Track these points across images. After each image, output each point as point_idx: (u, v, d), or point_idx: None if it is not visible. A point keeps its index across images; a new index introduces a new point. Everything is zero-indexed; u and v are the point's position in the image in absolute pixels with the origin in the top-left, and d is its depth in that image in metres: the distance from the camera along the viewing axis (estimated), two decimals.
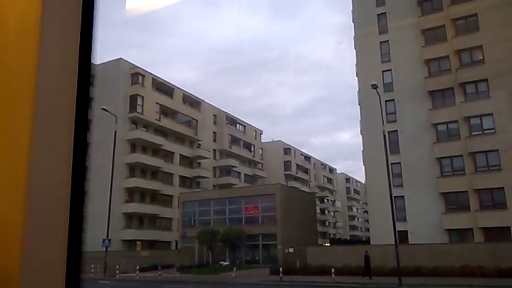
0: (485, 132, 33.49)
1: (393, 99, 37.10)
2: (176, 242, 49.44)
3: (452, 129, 35.03)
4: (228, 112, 68.85)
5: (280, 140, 79.70)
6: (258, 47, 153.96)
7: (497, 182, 31.94)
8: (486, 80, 33.62)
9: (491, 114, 33.10)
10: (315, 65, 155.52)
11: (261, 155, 75.98)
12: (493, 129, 33.01)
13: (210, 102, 64.98)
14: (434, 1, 37.25)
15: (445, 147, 34.69)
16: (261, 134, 77.60)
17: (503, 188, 31.69)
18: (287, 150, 79.61)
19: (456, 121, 34.59)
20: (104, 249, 33.52)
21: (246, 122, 73.11)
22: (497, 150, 32.37)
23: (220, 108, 67.58)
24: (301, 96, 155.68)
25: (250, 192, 45.64)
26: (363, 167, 37.90)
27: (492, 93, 33.26)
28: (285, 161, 78.21)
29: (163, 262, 36.64)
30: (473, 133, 33.90)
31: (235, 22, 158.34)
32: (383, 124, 30.24)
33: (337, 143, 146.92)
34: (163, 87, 56.08)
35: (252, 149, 73.27)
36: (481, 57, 34.45)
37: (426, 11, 37.51)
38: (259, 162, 74.95)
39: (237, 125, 70.91)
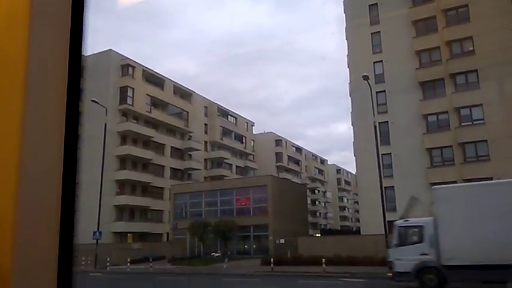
0: (474, 122, 33.78)
1: (384, 91, 37.22)
2: (167, 234, 49.45)
3: (442, 120, 35.29)
4: (220, 104, 68.66)
5: (271, 132, 79.73)
6: (259, 38, 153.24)
7: (486, 172, 32.22)
8: (476, 70, 33.84)
9: (481, 105, 33.37)
10: (314, 57, 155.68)
11: (253, 146, 76.00)
12: (483, 119, 33.32)
13: (202, 94, 64.76)
14: None
15: (435, 138, 34.98)
16: (252, 125, 77.53)
17: (492, 178, 32.01)
18: (278, 141, 79.69)
19: (446, 112, 34.85)
20: (95, 241, 33.47)
21: (237, 114, 72.96)
22: (486, 140, 32.71)
23: (215, 100, 67.48)
24: (299, 87, 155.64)
25: (242, 184, 45.68)
26: (354, 158, 38.09)
27: (482, 83, 33.50)
28: (276, 153, 78.33)
29: (155, 254, 36.63)
30: (463, 124, 34.19)
31: (237, 14, 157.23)
32: (374, 115, 30.44)
33: (334, 134, 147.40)
34: (154, 79, 55.65)
35: (244, 141, 73.22)
36: (472, 48, 34.64)
37: (417, 2, 37.53)
38: (251, 154, 74.98)
39: (229, 116, 70.74)
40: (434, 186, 15.69)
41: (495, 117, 32.49)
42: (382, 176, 27.24)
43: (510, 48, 32.77)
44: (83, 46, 1.10)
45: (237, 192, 43.60)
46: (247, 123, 75.75)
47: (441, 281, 14.57)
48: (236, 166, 69.43)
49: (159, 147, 55.00)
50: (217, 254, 37.64)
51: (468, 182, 32.76)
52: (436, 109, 35.27)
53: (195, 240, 40.72)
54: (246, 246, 41.95)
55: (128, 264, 32.11)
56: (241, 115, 74.28)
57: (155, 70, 56.19)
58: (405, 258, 15.02)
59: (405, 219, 16.11)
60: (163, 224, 51.86)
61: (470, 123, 33.96)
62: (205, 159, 63.70)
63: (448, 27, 35.72)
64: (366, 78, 27.42)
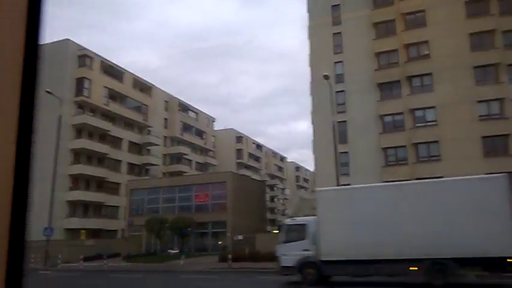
0: (428, 124, 35.07)
1: (343, 90, 37.92)
2: (123, 230, 48.21)
3: (397, 121, 36.39)
4: (181, 98, 67.66)
5: (232, 128, 79.50)
6: (223, 34, 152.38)
7: (437, 171, 33.54)
8: (431, 74, 35.15)
9: (434, 107, 34.72)
10: (278, 54, 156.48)
11: (213, 142, 75.50)
12: (435, 121, 34.67)
13: (163, 88, 63.58)
14: None
15: (390, 138, 36.02)
16: (213, 121, 77.00)
17: (442, 177, 33.36)
18: (239, 138, 79.59)
19: (402, 113, 35.97)
20: (45, 238, 32.10)
21: (198, 109, 72.21)
22: (438, 141, 34.07)
23: (176, 94, 66.40)
24: (262, 85, 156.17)
25: (201, 180, 45.24)
26: (313, 155, 38.57)
27: (436, 86, 34.85)
28: (237, 149, 78.21)
29: (109, 251, 35.62)
30: (417, 125, 35.40)
31: (202, 8, 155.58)
32: (333, 114, 30.91)
33: (294, 132, 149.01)
34: (113, 71, 54.00)
35: (204, 137, 72.59)
36: (427, 52, 35.91)
37: (378, 5, 38.47)
38: (211, 150, 74.47)
39: (189, 111, 69.86)
40: (318, 189, 17.05)
41: (447, 119, 33.88)
42: (339, 173, 27.73)
43: (463, 53, 34.28)
44: (39, 34, 1.04)
45: (196, 188, 43.11)
46: (208, 118, 75.14)
47: (319, 275, 15.82)
48: (196, 162, 68.73)
49: (116, 142, 53.48)
50: (175, 251, 37.07)
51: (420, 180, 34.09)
52: (392, 110, 36.32)
53: (152, 237, 39.94)
54: (206, 245, 41.56)
55: (81, 261, 31.01)
56: (203, 110, 73.60)
57: (114, 62, 54.60)
58: (290, 254, 16.21)
59: (293, 218, 17.67)
60: (118, 221, 50.51)
61: (424, 124, 35.22)
62: (164, 154, 62.60)
63: (406, 30, 36.85)
64: (326, 77, 27.78)
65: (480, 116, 33.56)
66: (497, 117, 33.19)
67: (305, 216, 16.84)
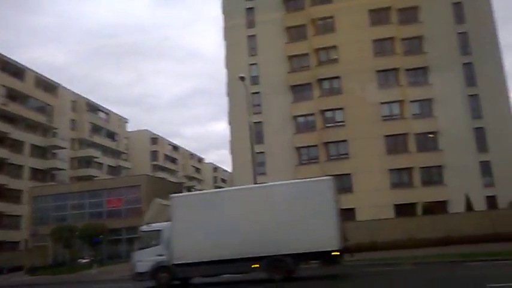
0: (337, 124, 37.07)
1: (259, 92, 38.65)
2: (26, 241, 44.37)
3: (309, 121, 37.97)
4: (90, 98, 64.07)
5: (147, 129, 77.14)
6: (136, 31, 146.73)
7: (345, 168, 35.69)
8: (339, 77, 37.22)
9: (342, 109, 36.82)
10: (195, 55, 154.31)
11: (126, 144, 72.58)
12: (344, 121, 36.77)
13: (70, 87, 59.72)
14: (298, 1, 39.72)
15: (303, 138, 37.48)
16: (126, 122, 74.00)
17: (350, 174, 35.58)
18: (154, 139, 77.48)
19: (313, 114, 37.61)
20: None
21: (109, 110, 68.94)
22: (346, 140, 36.19)
23: (84, 94, 62.79)
24: (178, 85, 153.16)
25: (114, 184, 43.17)
26: (231, 156, 38.78)
27: (344, 89, 37.00)
28: (152, 151, 76.05)
29: (11, 264, 32.55)
30: (327, 125, 37.25)
31: (113, 3, 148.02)
32: (249, 115, 31.38)
33: (212, 133, 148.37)
34: (12, 68, 49.58)
35: (116, 138, 69.48)
36: (336, 56, 37.96)
37: (290, 9, 39.82)
38: (124, 153, 71.50)
39: (99, 112, 66.41)
40: (172, 195, 17.35)
41: (354, 119, 36.13)
42: (256, 173, 28.15)
43: (367, 58, 36.79)
44: None
45: (108, 193, 41.11)
46: (120, 119, 72.05)
47: (172, 278, 16.49)
48: (108, 166, 65.51)
49: (17, 145, 49.14)
50: (86, 260, 34.94)
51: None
52: (305, 111, 37.82)
53: (60, 246, 37.23)
54: (120, 252, 39.68)
55: None
56: (114, 111, 70.44)
57: (14, 58, 50.12)
58: (145, 260, 16.57)
59: (149, 224, 17.45)
60: (21, 231, 46.41)
61: (333, 124, 37.19)
62: (72, 158, 58.82)
63: (316, 35, 38.60)
64: (242, 79, 28.02)
65: (383, 116, 36.27)
66: (398, 118, 36.12)
67: (164, 222, 16.78)
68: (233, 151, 38.33)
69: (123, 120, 73.08)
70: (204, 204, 16.76)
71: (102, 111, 67.20)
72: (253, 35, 40.17)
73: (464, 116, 35.18)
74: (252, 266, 15.19)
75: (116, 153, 69.01)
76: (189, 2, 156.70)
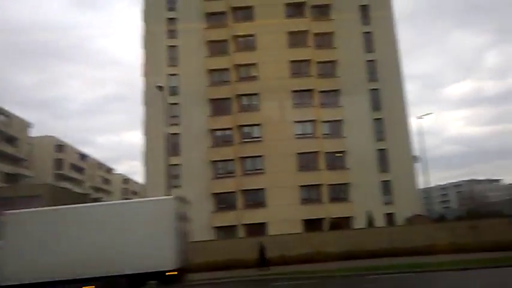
0: (254, 139, 37.80)
1: (178, 103, 38.13)
2: None
3: (227, 135, 38.22)
4: None
5: (52, 136, 71.92)
6: (51, 31, 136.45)
7: (260, 183, 36.43)
8: (258, 94, 38.12)
9: (259, 125, 37.67)
10: (112, 61, 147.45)
11: (28, 151, 66.84)
12: (260, 137, 37.61)
13: None
14: (220, 16, 40.18)
15: (219, 152, 37.58)
16: (29, 127, 68.27)
17: (264, 188, 36.37)
18: (60, 147, 72.42)
19: (231, 128, 37.96)
20: None
21: (10, 112, 63.20)
22: (262, 156, 37.01)
23: None
24: (93, 91, 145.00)
25: (10, 194, 39.37)
26: (144, 167, 37.52)
27: (262, 106, 37.94)
28: (56, 159, 70.91)
29: None
30: (244, 140, 37.80)
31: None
32: (166, 126, 30.76)
33: (126, 142, 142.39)
34: None
35: (17, 144, 63.72)
36: (256, 74, 38.86)
37: (212, 24, 40.09)
38: (25, 160, 65.76)
39: None
40: (4, 212, 16.40)
41: (270, 136, 37.14)
42: (171, 186, 27.56)
43: (285, 77, 38.22)
44: None
45: (3, 203, 37.34)
46: (23, 123, 66.31)
47: None
48: (5, 173, 59.68)
49: None
50: None
51: (245, 192, 36.37)
52: (223, 125, 38.05)
53: None
54: None
55: None
56: (16, 114, 64.71)
57: None
58: None
59: None
60: None
61: (250, 140, 37.86)
62: None
63: (237, 52, 39.25)
64: (160, 89, 27.50)
65: (297, 134, 37.74)
66: (310, 137, 37.81)
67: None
68: (147, 162, 37.20)
69: (25, 125, 67.32)
70: (39, 222, 15.85)
71: (2, 114, 61.42)
72: (175, 46, 39.75)
73: (369, 138, 37.93)
74: None
75: (15, 160, 63.18)
76: (110, 6, 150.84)
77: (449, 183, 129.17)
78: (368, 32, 40.10)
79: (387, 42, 39.86)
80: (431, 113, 67.18)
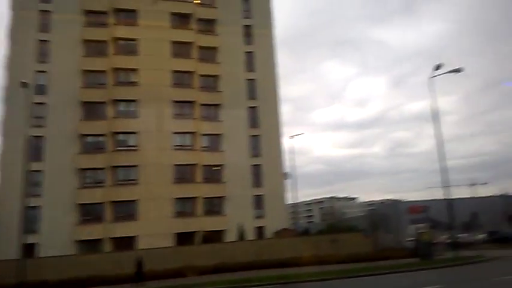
0: (129, 148, 36.13)
1: (45, 103, 34.75)
2: None
3: (99, 142, 35.89)
4: None
5: None
6: None
7: (133, 195, 34.86)
8: (137, 100, 36.66)
9: (136, 133, 36.16)
10: None
11: None
12: (136, 146, 36.11)
13: None
14: (101, 15, 37.92)
15: (90, 159, 35.08)
16: None
17: (136, 200, 34.87)
18: None
19: (105, 135, 35.76)
20: None
21: None
22: (137, 165, 35.51)
23: None
24: None
25: None
26: None
27: (140, 113, 36.50)
28: None
29: None
30: (118, 148, 35.89)
31: None
32: (28, 127, 27.80)
33: None
34: None
35: None
36: (136, 80, 37.39)
37: (92, 23, 37.63)
38: None
39: None
40: None
41: (147, 145, 35.92)
42: (29, 194, 24.78)
43: (166, 86, 37.52)
44: None
45: None
46: None
47: None
48: None
49: None
50: None
51: (115, 204, 34.48)
52: (95, 131, 35.69)
53: None
54: None
55: None
56: None
57: None
58: None
59: None
60: None
61: (126, 148, 36.13)
62: None
63: (117, 55, 37.40)
64: (24, 85, 24.74)
65: (175, 145, 37.16)
66: (189, 149, 37.57)
67: None
68: (2, 166, 32.98)
69: None
70: None
71: None
72: (46, 40, 36.30)
73: (246, 153, 39.13)
74: None
75: None
76: None
77: (314, 199, 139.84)
78: (250, 52, 41.68)
79: (267, 63, 41.89)
80: (302, 134, 71.65)
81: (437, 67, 24.43)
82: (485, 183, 63.41)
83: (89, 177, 35.21)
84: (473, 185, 58.81)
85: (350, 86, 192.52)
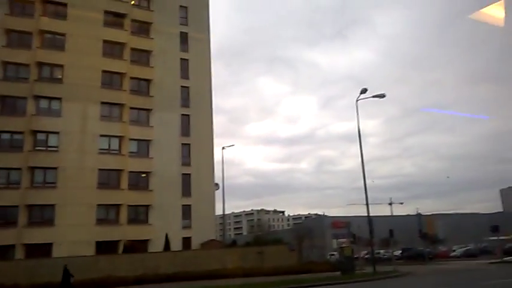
0: (49, 149, 33.64)
1: None
2: None
3: (16, 140, 33.05)
4: None
5: None
6: None
7: (51, 199, 32.41)
8: (61, 99, 34.32)
9: (58, 133, 33.78)
10: None
11: None
12: (57, 147, 33.71)
13: None
14: (27, 5, 35.25)
15: (3, 158, 32.10)
16: None
17: (54, 205, 32.45)
18: None
19: (22, 132, 33.02)
20: None
21: None
22: (57, 168, 33.13)
23: None
24: None
25: None
26: None
27: (64, 112, 34.16)
28: None
29: None
30: (37, 148, 33.30)
31: None
32: None
33: None
34: None
35: None
36: (60, 77, 35.08)
37: (16, 12, 34.88)
38: None
39: None
40: None
41: (70, 147, 33.69)
42: None
43: (94, 86, 35.57)
44: None
45: None
46: None
47: None
48: None
49: None
50: None
51: (31, 207, 31.86)
52: (12, 127, 32.87)
53: None
54: None
55: None
56: None
57: None
58: None
59: None
60: None
61: (45, 148, 33.60)
62: None
63: (42, 48, 34.90)
64: None
65: (100, 149, 35.23)
66: (115, 153, 35.83)
67: None
68: None
69: None
70: None
71: None
72: None
73: (175, 161, 38.15)
74: None
75: None
76: None
77: (243, 211, 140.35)
78: (185, 59, 41.02)
79: (202, 72, 41.46)
80: (233, 145, 71.76)
81: (363, 91, 25.72)
82: (402, 203, 67.14)
83: (2, 178, 32.21)
84: (390, 204, 62.26)
85: (283, 103, 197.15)
